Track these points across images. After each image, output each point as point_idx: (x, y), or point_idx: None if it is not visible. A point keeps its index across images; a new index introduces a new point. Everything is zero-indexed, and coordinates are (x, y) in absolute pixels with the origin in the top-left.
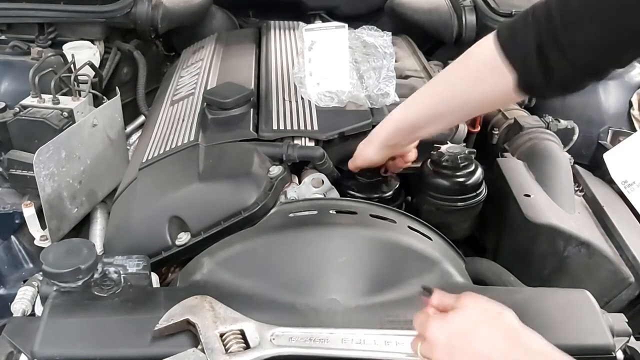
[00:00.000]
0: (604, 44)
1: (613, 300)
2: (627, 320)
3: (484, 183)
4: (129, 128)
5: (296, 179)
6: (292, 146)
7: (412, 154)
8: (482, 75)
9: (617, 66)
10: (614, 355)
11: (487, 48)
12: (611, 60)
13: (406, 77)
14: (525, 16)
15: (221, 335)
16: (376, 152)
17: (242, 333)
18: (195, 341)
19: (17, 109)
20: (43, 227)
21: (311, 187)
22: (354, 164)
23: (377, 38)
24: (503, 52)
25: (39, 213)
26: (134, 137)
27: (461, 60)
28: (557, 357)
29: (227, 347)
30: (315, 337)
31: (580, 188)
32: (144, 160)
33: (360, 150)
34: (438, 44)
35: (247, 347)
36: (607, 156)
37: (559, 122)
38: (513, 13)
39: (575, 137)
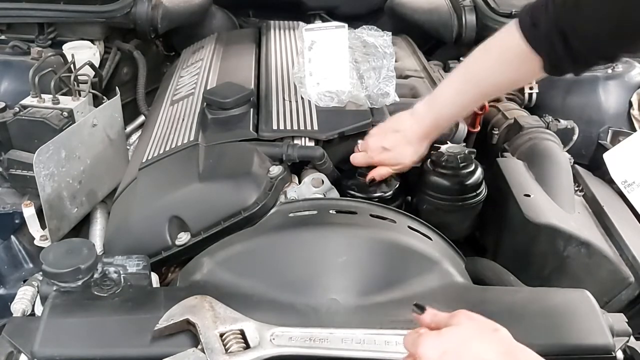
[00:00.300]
0: (616, 26)
1: (613, 300)
2: (627, 320)
3: (483, 183)
4: (129, 128)
5: (296, 179)
6: (292, 146)
7: (407, 168)
8: (507, 62)
9: (632, 50)
10: (614, 355)
11: (509, 37)
12: (623, 44)
13: (406, 77)
14: (545, 2)
15: (221, 335)
16: (416, 151)
17: (242, 333)
18: (195, 341)
19: (17, 109)
20: (43, 227)
21: (311, 187)
22: (387, 172)
23: (377, 38)
24: (526, 39)
25: (39, 213)
26: (134, 137)
27: (483, 50)
28: None
29: (227, 347)
30: (315, 337)
31: (580, 188)
32: (143, 160)
33: (397, 158)
34: (438, 43)
35: (247, 347)
36: (607, 156)
37: (559, 122)
38: (513, 13)
39: (575, 137)
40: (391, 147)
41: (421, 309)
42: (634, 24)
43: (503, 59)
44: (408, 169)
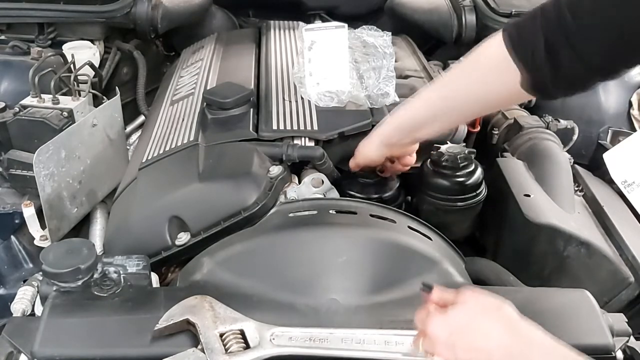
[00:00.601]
0: (617, 43)
1: (613, 300)
2: (626, 320)
3: (483, 183)
4: (129, 128)
5: (296, 179)
6: (292, 146)
7: (411, 159)
8: (488, 73)
9: (630, 66)
10: (614, 355)
11: (494, 47)
12: (624, 60)
13: (406, 77)
14: (533, 15)
15: (221, 335)
16: (376, 150)
17: (242, 333)
18: (195, 341)
19: (17, 109)
20: (43, 227)
21: (311, 187)
22: (355, 161)
23: (377, 38)
24: (511, 51)
25: (39, 213)
26: (134, 137)
27: (467, 60)
28: (556, 348)
29: (227, 347)
30: (315, 337)
31: (580, 188)
32: (143, 160)
33: (360, 148)
34: (438, 43)
35: (247, 347)
36: (606, 156)
37: (559, 122)
38: (513, 13)
39: (575, 137)
40: (360, 143)
41: (429, 287)
42: (635, 38)
43: (481, 68)
44: (372, 163)
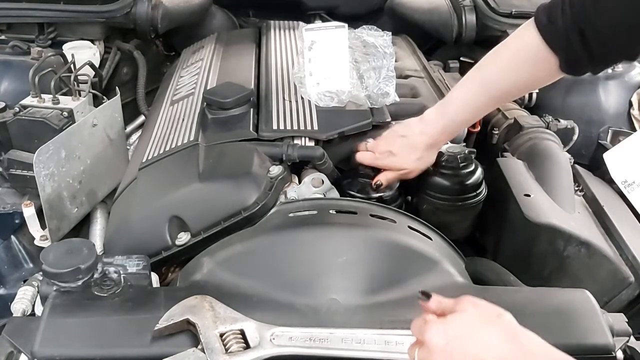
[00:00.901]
0: (634, 21)
1: (613, 300)
2: (627, 320)
3: (483, 183)
4: (129, 128)
5: (296, 179)
6: (292, 146)
7: (414, 174)
8: (524, 62)
9: None
10: (614, 355)
11: (526, 35)
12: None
13: (406, 76)
14: (562, 2)
15: (221, 335)
16: (422, 159)
17: (242, 333)
18: (195, 341)
19: (17, 109)
20: (43, 227)
21: (311, 186)
22: (394, 176)
23: (377, 38)
24: (544, 38)
25: (39, 213)
26: (134, 137)
27: (499, 52)
28: (557, 357)
29: (227, 346)
30: (315, 337)
31: (580, 188)
32: (144, 160)
33: (404, 160)
34: (438, 43)
35: (247, 346)
36: (607, 156)
37: (559, 122)
38: (513, 12)
39: (575, 137)
40: (397, 152)
41: (427, 296)
42: None
43: (518, 59)
44: (415, 175)
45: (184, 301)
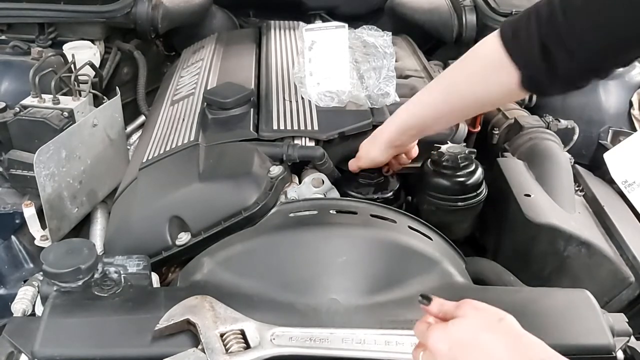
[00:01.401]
0: (606, 41)
1: (613, 300)
2: (627, 320)
3: (484, 183)
4: (129, 128)
5: (296, 179)
6: (292, 146)
7: (414, 151)
8: (486, 73)
9: (620, 64)
10: (614, 355)
11: (490, 47)
12: (613, 58)
13: (406, 77)
14: (528, 15)
15: (221, 335)
16: (381, 153)
17: (243, 333)
18: (196, 341)
19: (18, 109)
20: (43, 227)
21: (311, 187)
22: (357, 164)
23: (378, 38)
24: (506, 51)
25: (39, 213)
26: (134, 137)
27: (464, 60)
28: None
29: (227, 347)
30: (315, 337)
31: (581, 188)
32: (144, 160)
33: (363, 150)
34: (438, 43)
35: (248, 347)
36: (607, 156)
37: (559, 122)
38: (513, 12)
39: (575, 137)
40: (362, 145)
41: (427, 299)
42: (625, 38)
43: (480, 68)
44: (376, 165)
45: (184, 301)
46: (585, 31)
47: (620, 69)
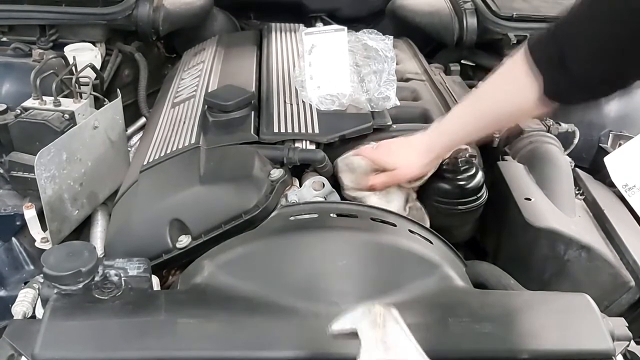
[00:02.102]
0: (616, 58)
1: (613, 304)
2: (627, 325)
3: (484, 186)
4: (130, 130)
5: (297, 182)
6: (293, 149)
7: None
8: (510, 78)
9: (634, 80)
10: (614, 359)
11: (516, 56)
12: (627, 74)
13: (407, 79)
14: (551, 27)
15: None
16: (419, 162)
17: None
18: None
19: (19, 111)
20: (44, 229)
21: (312, 190)
22: (393, 180)
23: (379, 42)
24: (531, 56)
25: (40, 215)
26: (135, 139)
27: (496, 72)
28: None
29: None
30: None
31: (581, 191)
32: (145, 163)
33: (405, 169)
34: (439, 46)
35: None
36: (607, 159)
37: (560, 125)
38: (514, 16)
39: (576, 141)
40: (395, 149)
41: None
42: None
43: (506, 75)
44: (404, 179)
45: (365, 306)
46: (595, 49)
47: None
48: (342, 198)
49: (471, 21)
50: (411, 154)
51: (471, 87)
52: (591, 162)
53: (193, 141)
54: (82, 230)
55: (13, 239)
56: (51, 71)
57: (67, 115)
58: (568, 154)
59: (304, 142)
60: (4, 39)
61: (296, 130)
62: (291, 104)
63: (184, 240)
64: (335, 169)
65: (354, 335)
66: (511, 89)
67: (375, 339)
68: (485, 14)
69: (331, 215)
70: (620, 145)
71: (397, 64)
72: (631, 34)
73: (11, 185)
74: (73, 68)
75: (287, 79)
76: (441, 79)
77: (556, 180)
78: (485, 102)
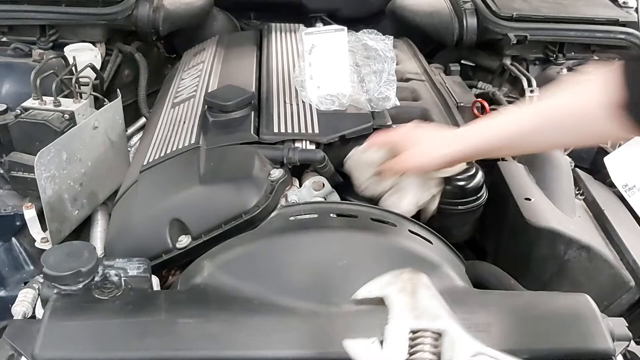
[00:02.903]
0: None
1: (613, 304)
2: (627, 325)
3: (484, 186)
4: (130, 130)
5: (297, 182)
6: (293, 149)
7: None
8: (583, 86)
9: None
10: (614, 359)
11: (596, 71)
12: None
13: (407, 79)
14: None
15: (413, 332)
16: (438, 156)
17: (440, 335)
18: None
19: (19, 111)
20: (44, 229)
21: (312, 190)
22: (403, 168)
23: (379, 42)
24: (623, 66)
25: (40, 215)
26: (135, 139)
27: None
28: None
29: (412, 351)
30: None
31: (581, 192)
32: (144, 163)
33: (418, 158)
34: (439, 46)
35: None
36: (607, 160)
37: None
38: (514, 16)
39: None
40: (415, 134)
41: None
42: None
43: (579, 84)
44: (414, 166)
45: (392, 273)
46: None
47: None
48: (343, 198)
49: (471, 21)
50: (429, 141)
51: (471, 87)
52: (591, 162)
53: (193, 141)
54: (82, 230)
55: (13, 239)
56: (51, 71)
57: (67, 116)
58: (568, 154)
59: (304, 142)
60: (4, 39)
61: (296, 130)
62: (291, 104)
63: (184, 240)
64: (347, 168)
65: (380, 302)
66: (582, 92)
67: (406, 306)
68: (485, 14)
69: (331, 215)
70: (620, 145)
71: (397, 64)
72: None
73: (11, 185)
74: (73, 68)
75: (287, 79)
76: (441, 79)
77: (556, 181)
78: (543, 103)
